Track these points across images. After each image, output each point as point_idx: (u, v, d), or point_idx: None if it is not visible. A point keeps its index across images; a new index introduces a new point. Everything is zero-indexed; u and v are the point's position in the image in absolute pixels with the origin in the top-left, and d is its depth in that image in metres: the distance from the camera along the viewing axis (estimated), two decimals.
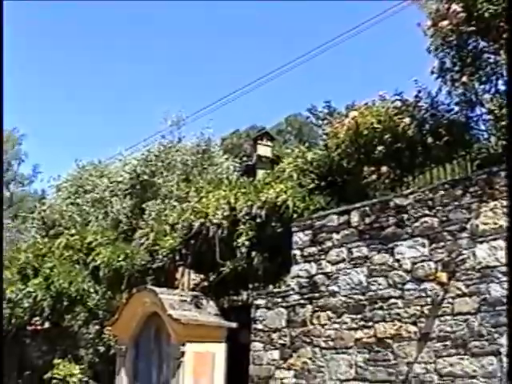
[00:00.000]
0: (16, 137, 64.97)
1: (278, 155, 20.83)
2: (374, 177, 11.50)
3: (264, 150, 25.92)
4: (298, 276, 11.26)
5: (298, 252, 11.34)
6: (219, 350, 12.46)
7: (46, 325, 18.36)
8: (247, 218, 12.41)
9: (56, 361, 16.13)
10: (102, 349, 15.28)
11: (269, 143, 26.85)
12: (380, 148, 11.37)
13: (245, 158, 24.90)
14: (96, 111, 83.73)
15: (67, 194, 21.41)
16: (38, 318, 18.04)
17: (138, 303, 13.22)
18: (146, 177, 18.74)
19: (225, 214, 12.72)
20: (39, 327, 18.69)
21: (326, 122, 13.78)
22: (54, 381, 15.83)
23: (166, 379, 12.57)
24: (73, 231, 17.97)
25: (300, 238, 11.35)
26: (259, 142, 26.69)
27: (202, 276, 14.86)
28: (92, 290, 16.10)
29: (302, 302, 11.13)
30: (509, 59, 10.01)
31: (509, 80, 10.14)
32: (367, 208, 10.49)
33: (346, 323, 10.39)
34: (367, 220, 10.43)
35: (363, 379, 9.99)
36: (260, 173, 21.23)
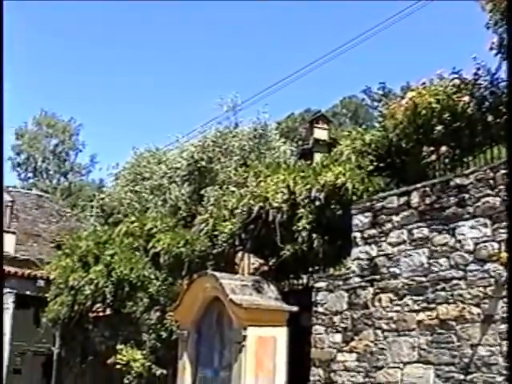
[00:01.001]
0: (73, 127, 65.79)
1: (335, 138, 20.69)
2: (433, 157, 11.40)
3: (320, 133, 25.81)
4: (359, 258, 11.20)
5: (358, 234, 11.27)
6: (281, 334, 12.47)
7: (108, 311, 18.58)
8: (306, 201, 12.36)
9: (119, 346, 16.29)
10: (164, 334, 15.37)
11: (325, 126, 26.71)
12: (439, 128, 11.24)
13: (300, 142, 24.80)
14: (152, 99, 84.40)
15: (126, 181, 21.54)
16: (99, 305, 18.25)
17: (199, 288, 13.31)
18: (203, 163, 18.74)
19: (284, 197, 12.68)
20: (101, 314, 18.92)
21: (381, 103, 13.65)
22: (118, 366, 16.01)
23: (228, 363, 12.63)
24: (132, 218, 18.08)
25: (360, 220, 11.28)
26: (315, 125, 26.55)
27: (261, 260, 14.87)
28: (153, 277, 16.19)
29: (363, 284, 11.06)
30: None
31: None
32: (427, 188, 10.35)
33: (407, 305, 10.30)
34: (427, 200, 10.29)
35: (426, 361, 9.88)
36: (317, 156, 21.16)
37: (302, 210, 12.38)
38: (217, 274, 13.00)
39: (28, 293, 21.97)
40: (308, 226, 12.26)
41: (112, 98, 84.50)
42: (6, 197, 33.04)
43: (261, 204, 13.05)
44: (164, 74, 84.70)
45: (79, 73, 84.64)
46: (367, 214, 11.18)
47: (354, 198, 11.75)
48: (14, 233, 30.81)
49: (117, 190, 21.82)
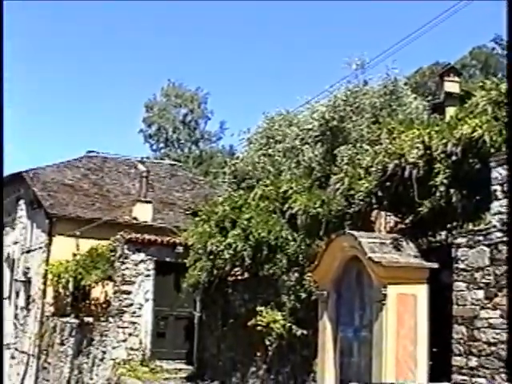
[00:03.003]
0: (200, 96, 66.89)
1: (467, 90, 20.19)
2: None
3: (451, 86, 25.21)
4: (500, 212, 10.84)
5: (498, 188, 10.91)
6: (421, 292, 12.32)
7: (246, 275, 18.82)
8: (443, 156, 12.08)
9: (259, 308, 16.47)
10: (303, 295, 15.42)
11: (455, 79, 26.06)
12: None
13: (430, 97, 24.36)
14: (278, 62, 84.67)
15: (258, 145, 21.74)
16: (238, 269, 18.51)
17: (337, 248, 13.31)
18: (335, 122, 18.70)
19: (419, 153, 12.42)
20: (240, 277, 19.19)
21: None
22: (258, 327, 16.20)
23: (369, 322, 12.61)
24: (267, 182, 18.15)
25: (499, 173, 10.91)
26: (445, 78, 25.98)
27: (397, 218, 14.71)
28: (290, 238, 16.24)
29: (505, 239, 10.75)
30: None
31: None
32: None
33: None
34: None
35: None
36: (449, 110, 20.72)
37: (439, 165, 12.11)
38: (355, 232, 12.93)
39: (168, 259, 22.47)
40: (445, 181, 11.99)
41: (237, 64, 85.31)
42: (141, 167, 34.05)
43: (396, 161, 12.85)
44: (290, 36, 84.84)
45: (203, 42, 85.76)
46: (507, 166, 10.84)
47: (492, 150, 11.35)
48: (150, 202, 31.75)
49: (250, 154, 22.05)
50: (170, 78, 67.14)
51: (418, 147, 12.52)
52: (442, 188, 11.99)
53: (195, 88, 66.77)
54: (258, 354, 17.27)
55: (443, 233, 13.63)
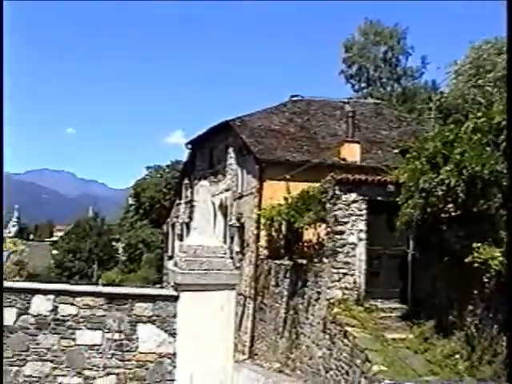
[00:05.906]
0: (399, 32, 66.12)
1: None
2: None
3: None
4: None
5: None
6: None
7: (459, 211, 18.36)
8: None
9: (475, 245, 16.03)
10: None
11: None
12: None
13: None
14: None
15: (467, 77, 21.03)
16: (451, 205, 18.10)
17: None
18: None
19: None
20: (453, 214, 18.77)
21: None
22: (475, 264, 15.81)
23: None
24: (478, 114, 17.50)
25: None
26: None
27: None
28: (505, 172, 15.64)
29: None
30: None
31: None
32: None
33: None
34: None
35: None
36: None
37: None
38: None
39: (379, 198, 22.29)
40: None
41: None
42: (347, 108, 34.00)
43: None
44: None
45: None
46: None
47: None
48: (358, 142, 31.76)
49: (458, 87, 21.38)
50: (367, 16, 66.55)
51: None
52: None
53: (393, 24, 65.85)
54: (476, 291, 16.89)
55: None
